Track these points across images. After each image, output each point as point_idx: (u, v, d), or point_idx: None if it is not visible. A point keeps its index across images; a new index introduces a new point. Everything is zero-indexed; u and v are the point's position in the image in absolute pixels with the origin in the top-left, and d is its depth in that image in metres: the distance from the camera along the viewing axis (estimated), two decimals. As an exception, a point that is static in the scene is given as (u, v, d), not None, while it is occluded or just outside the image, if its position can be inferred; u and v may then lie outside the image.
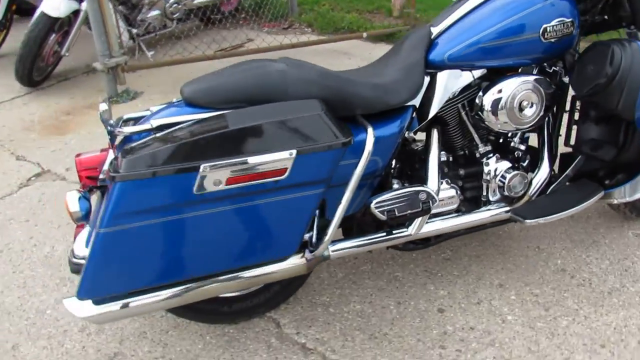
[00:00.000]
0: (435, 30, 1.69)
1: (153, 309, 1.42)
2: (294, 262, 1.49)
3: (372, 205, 1.54)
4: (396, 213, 1.55)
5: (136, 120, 1.53)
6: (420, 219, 1.63)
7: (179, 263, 1.34)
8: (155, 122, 1.37)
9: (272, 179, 1.30)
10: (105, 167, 1.47)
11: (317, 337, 1.73)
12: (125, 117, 1.55)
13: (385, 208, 1.55)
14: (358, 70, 1.73)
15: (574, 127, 1.90)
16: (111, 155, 1.48)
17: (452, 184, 1.73)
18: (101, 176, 1.48)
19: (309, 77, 1.46)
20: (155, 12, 4.40)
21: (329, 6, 5.29)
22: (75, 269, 1.47)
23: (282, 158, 1.28)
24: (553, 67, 1.80)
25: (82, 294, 1.30)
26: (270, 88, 1.42)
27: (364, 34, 4.43)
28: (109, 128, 1.40)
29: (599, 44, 1.68)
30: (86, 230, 1.49)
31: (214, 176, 1.24)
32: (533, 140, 1.86)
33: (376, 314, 1.81)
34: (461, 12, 1.68)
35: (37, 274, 2.05)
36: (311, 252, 1.51)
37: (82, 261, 1.45)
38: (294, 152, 1.28)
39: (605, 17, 1.82)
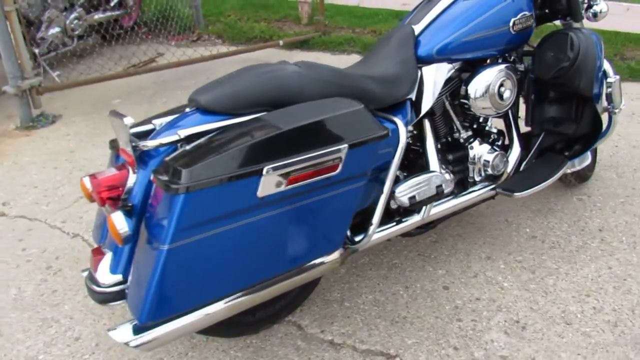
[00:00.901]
0: (417, 28, 1.82)
1: (207, 323, 1.35)
2: (331, 258, 1.51)
3: (396, 193, 1.62)
4: (417, 198, 1.65)
5: (143, 135, 1.45)
6: (430, 203, 1.74)
7: (242, 271, 1.30)
8: (182, 133, 1.32)
9: (326, 175, 1.32)
10: (129, 185, 1.37)
11: (342, 332, 1.76)
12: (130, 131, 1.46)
13: (408, 195, 1.63)
14: (357, 66, 1.79)
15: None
16: (131, 172, 1.39)
17: (446, 169, 1.87)
18: (124, 196, 1.38)
19: (324, 77, 1.50)
20: (55, 30, 4.09)
21: (235, 17, 5.28)
22: (102, 298, 1.37)
23: (336, 153, 1.31)
24: (513, 57, 2.02)
25: (145, 318, 1.21)
26: (289, 90, 1.44)
27: (280, 42, 4.50)
28: (132, 143, 1.32)
29: (557, 33, 1.92)
30: (108, 256, 1.39)
31: (276, 177, 1.23)
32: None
33: (389, 300, 1.88)
34: (439, 9, 1.83)
35: (12, 319, 1.83)
36: (352, 244, 1.55)
37: (111, 289, 1.36)
38: (346, 146, 1.32)
39: (546, 10, 2.08)
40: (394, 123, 1.55)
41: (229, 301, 1.33)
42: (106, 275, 1.36)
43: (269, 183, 1.23)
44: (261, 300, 1.44)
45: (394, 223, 1.75)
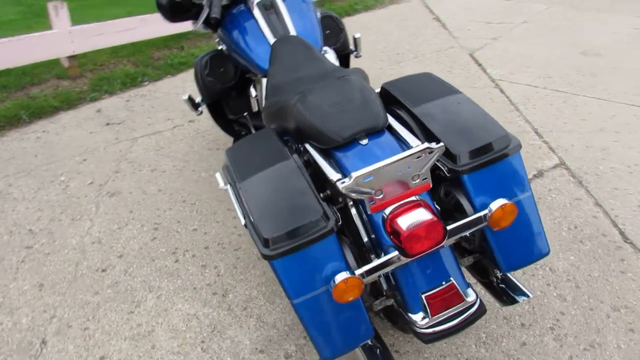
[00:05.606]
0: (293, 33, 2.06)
1: None
2: None
3: None
4: None
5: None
6: None
7: None
8: (422, 146, 1.30)
9: None
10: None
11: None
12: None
13: None
14: (290, 72, 1.85)
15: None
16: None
17: None
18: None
19: (364, 75, 1.83)
20: None
21: None
22: (483, 309, 1.40)
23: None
24: None
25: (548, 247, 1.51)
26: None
27: None
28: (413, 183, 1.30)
29: (325, 17, 2.46)
30: (449, 285, 1.38)
31: None
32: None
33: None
34: (285, 12, 2.11)
35: None
36: None
37: (479, 299, 1.41)
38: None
39: None
40: None
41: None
42: (469, 293, 1.40)
43: None
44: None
45: None
